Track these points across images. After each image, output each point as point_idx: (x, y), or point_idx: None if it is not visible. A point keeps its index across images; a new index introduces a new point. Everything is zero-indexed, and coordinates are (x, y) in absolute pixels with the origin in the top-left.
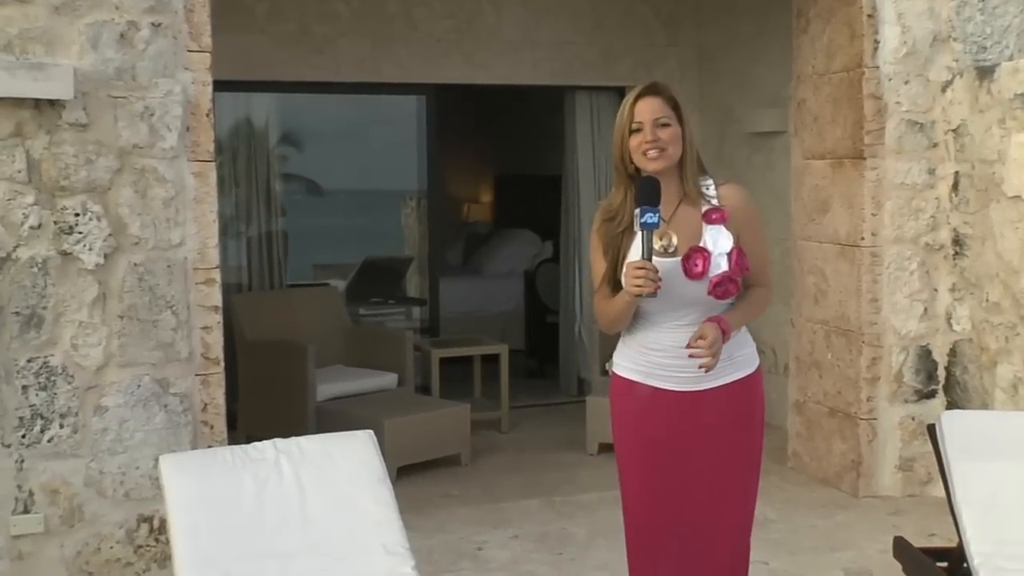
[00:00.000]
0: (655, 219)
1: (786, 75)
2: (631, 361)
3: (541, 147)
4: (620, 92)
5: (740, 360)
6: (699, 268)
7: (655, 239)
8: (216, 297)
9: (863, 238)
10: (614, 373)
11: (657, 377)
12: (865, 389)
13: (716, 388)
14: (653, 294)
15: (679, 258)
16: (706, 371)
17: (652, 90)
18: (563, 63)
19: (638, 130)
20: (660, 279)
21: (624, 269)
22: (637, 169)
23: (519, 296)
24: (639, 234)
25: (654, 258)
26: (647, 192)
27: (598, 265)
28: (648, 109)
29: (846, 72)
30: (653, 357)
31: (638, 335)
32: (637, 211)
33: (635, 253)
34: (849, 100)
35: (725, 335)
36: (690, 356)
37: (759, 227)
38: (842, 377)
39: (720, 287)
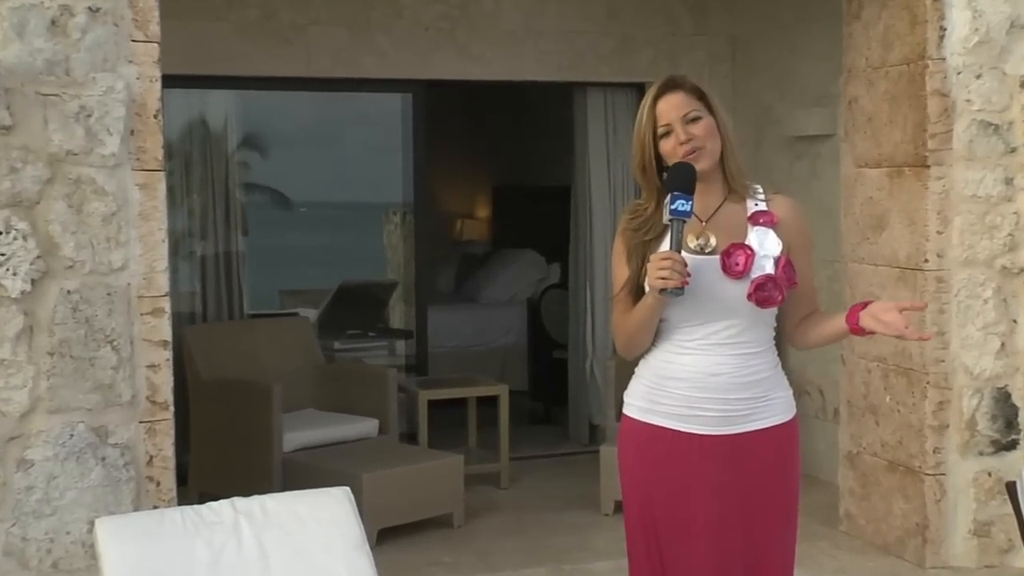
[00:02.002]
0: (687, 207)
1: (835, 69)
2: (645, 399)
3: (547, 154)
4: (639, 89)
5: (778, 402)
6: (740, 266)
7: (690, 238)
8: (165, 330)
9: (927, 260)
10: (624, 415)
11: (677, 417)
12: (931, 439)
13: (750, 433)
14: (680, 290)
15: (717, 256)
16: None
17: (671, 85)
18: (572, 56)
19: (667, 133)
20: (689, 274)
21: (648, 266)
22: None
23: (521, 328)
24: (668, 230)
25: (687, 256)
26: (680, 177)
27: (619, 272)
28: (672, 106)
29: (906, 65)
30: (674, 390)
31: (655, 363)
32: (667, 198)
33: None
34: (910, 98)
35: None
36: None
37: (811, 251)
38: (903, 424)
39: (763, 290)
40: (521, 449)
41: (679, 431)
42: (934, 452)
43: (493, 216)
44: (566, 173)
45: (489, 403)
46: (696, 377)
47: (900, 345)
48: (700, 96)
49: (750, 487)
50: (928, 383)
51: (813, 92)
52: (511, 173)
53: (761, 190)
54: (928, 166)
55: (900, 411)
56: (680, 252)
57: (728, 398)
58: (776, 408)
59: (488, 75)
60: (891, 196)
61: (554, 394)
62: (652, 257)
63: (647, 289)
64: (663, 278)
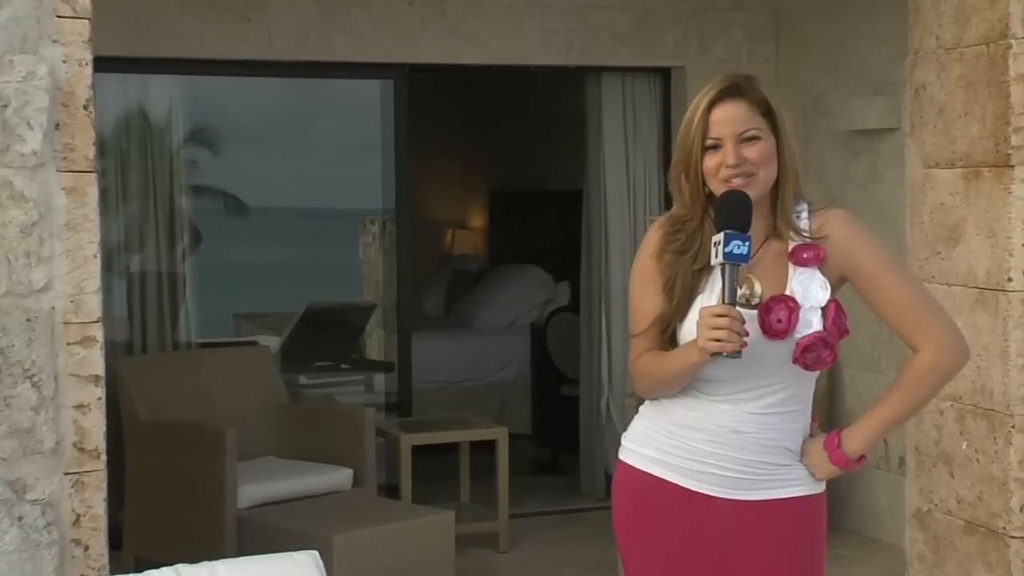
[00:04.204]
0: (744, 249)
1: (899, 50)
2: (651, 445)
3: (554, 152)
4: (664, 75)
5: (806, 471)
6: (783, 324)
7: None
8: (96, 363)
9: (1010, 279)
10: (621, 461)
11: (687, 472)
12: (1017, 494)
13: (770, 502)
14: (737, 354)
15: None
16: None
17: (734, 91)
18: (585, 36)
19: (715, 147)
20: (747, 332)
21: (697, 316)
22: (711, 193)
23: (523, 359)
24: (717, 269)
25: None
26: (734, 210)
27: (645, 302)
28: (728, 118)
29: (985, 45)
30: (688, 441)
31: (670, 406)
32: (719, 237)
33: (710, 297)
34: (989, 84)
35: (840, 463)
36: None
37: (885, 262)
38: (984, 476)
39: (811, 352)
40: (523, 504)
41: (687, 488)
42: (1021, 510)
43: (490, 226)
44: (577, 175)
45: (485, 449)
46: (716, 431)
47: (979, 381)
48: (765, 111)
49: (762, 565)
50: (1013, 427)
51: (873, 78)
52: (511, 175)
53: (805, 209)
54: (1011, 166)
55: (979, 460)
56: (736, 304)
57: (750, 459)
58: (802, 477)
59: (484, 58)
60: (967, 202)
61: (563, 438)
62: (702, 311)
63: (680, 330)
64: (718, 339)
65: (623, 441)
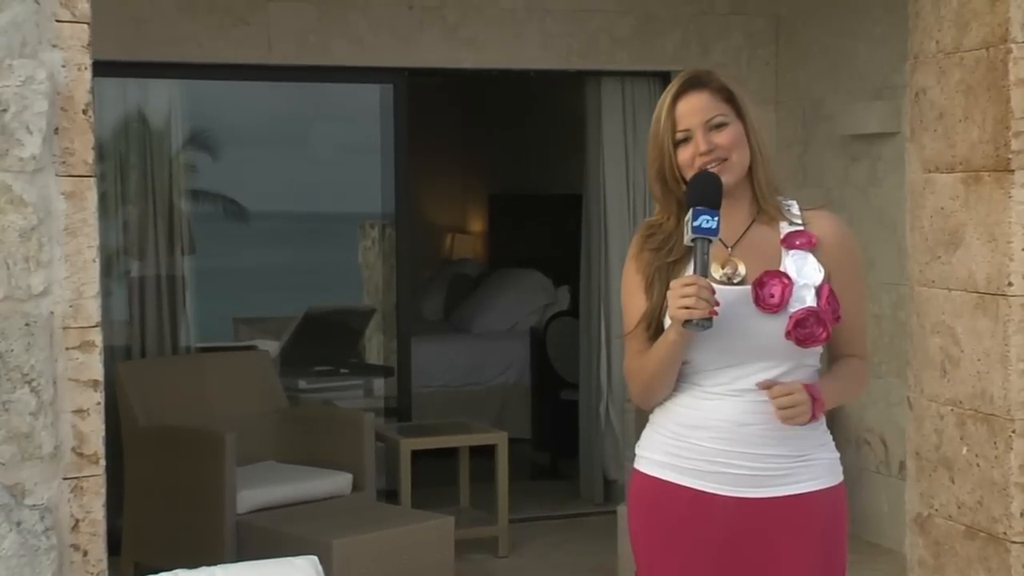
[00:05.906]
0: (713, 223)
1: (899, 54)
2: (662, 451)
3: (554, 156)
4: (663, 79)
5: (821, 464)
6: (776, 299)
7: (714, 267)
8: (95, 367)
9: (1011, 283)
10: (636, 470)
11: (698, 474)
12: (1018, 499)
13: (788, 498)
14: (708, 322)
15: (747, 287)
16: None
17: (693, 83)
18: (584, 40)
19: (686, 139)
20: (718, 302)
21: (668, 295)
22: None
23: (523, 364)
24: (692, 246)
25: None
26: (703, 190)
27: (633, 304)
28: (694, 109)
29: (985, 49)
30: (696, 441)
31: (676, 408)
32: (689, 213)
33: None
34: (989, 89)
35: (816, 406)
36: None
37: (859, 274)
38: (984, 481)
39: (803, 327)
40: (523, 509)
41: (700, 491)
42: (1022, 515)
43: (489, 230)
44: (576, 179)
45: (485, 454)
46: (722, 426)
47: (979, 386)
48: (728, 98)
49: (784, 564)
50: (1014, 431)
51: (872, 82)
52: (511, 179)
53: (796, 207)
54: (1012, 171)
55: (980, 465)
56: (706, 275)
57: (760, 454)
58: (818, 470)
59: (483, 62)
60: (967, 207)
61: (562, 443)
62: (672, 284)
63: (667, 323)
64: (687, 307)
65: (636, 450)
